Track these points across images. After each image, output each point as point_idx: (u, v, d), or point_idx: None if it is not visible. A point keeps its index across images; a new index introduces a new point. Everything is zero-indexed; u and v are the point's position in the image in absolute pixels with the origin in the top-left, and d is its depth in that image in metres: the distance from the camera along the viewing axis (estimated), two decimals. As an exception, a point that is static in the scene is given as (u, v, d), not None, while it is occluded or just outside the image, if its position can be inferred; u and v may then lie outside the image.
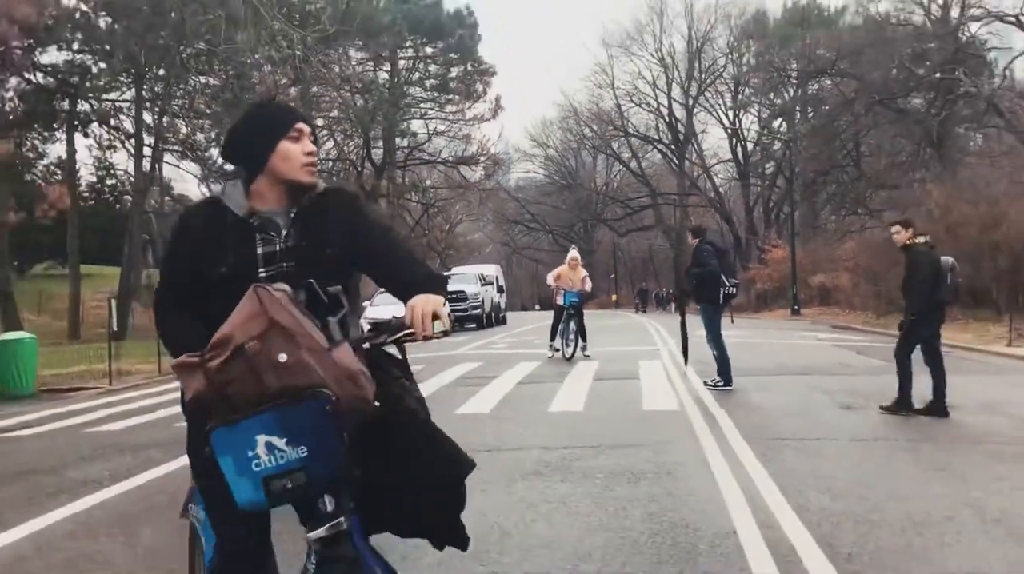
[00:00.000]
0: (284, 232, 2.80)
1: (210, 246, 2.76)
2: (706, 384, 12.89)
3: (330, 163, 46.90)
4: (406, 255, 2.92)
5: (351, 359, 2.49)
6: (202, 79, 38.30)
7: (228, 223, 2.79)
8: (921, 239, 10.81)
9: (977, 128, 42.69)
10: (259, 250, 2.78)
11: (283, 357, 2.40)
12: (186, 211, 2.98)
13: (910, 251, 10.77)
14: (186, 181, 49.42)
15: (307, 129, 2.85)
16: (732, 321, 13.88)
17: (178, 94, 38.54)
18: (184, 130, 41.17)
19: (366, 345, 2.66)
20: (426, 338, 2.55)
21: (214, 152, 41.67)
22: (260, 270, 2.75)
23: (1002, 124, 35.06)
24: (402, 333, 2.61)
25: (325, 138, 46.85)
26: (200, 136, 41.10)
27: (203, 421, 2.46)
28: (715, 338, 13.02)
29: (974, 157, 39.98)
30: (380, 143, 49.17)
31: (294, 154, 2.79)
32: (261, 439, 2.39)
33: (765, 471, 7.16)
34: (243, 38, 27.50)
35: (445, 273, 45.63)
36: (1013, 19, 34.55)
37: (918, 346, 10.41)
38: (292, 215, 2.83)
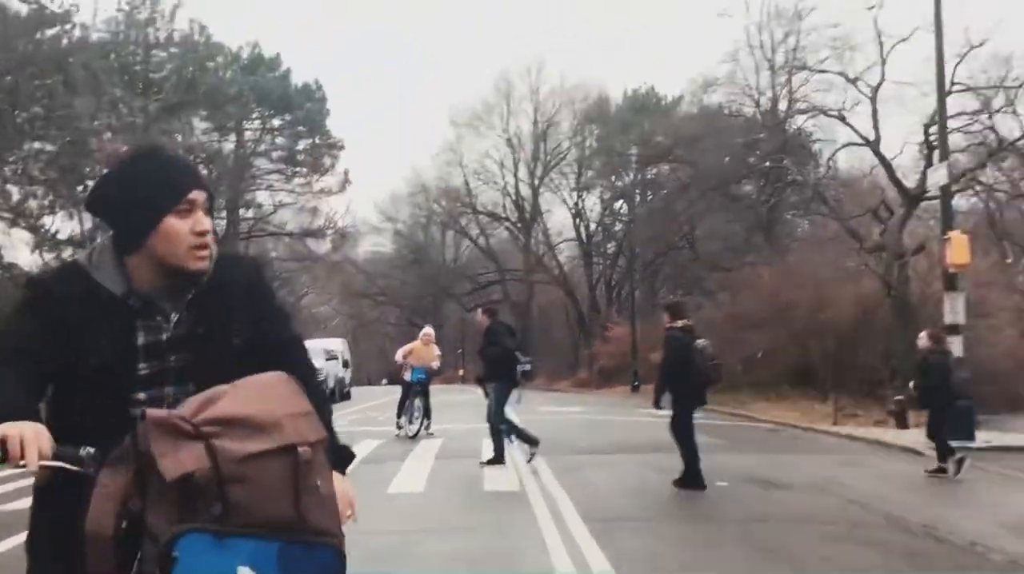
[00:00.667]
0: (174, 317, 2.24)
1: (78, 330, 2.14)
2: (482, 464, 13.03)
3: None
4: (307, 368, 2.38)
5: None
6: (37, 144, 36.92)
7: (101, 303, 2.17)
8: (679, 323, 11.39)
9: (804, 215, 44.85)
10: (140, 340, 2.20)
11: (319, 482, 1.89)
12: (43, 278, 2.31)
13: (666, 335, 11.46)
14: (16, 249, 47.07)
15: (201, 198, 2.22)
16: (520, 400, 14.12)
17: (11, 159, 36.99)
18: (16, 196, 39.47)
19: None
20: None
21: (47, 220, 40.07)
22: (141, 365, 2.20)
23: (827, 212, 36.94)
24: None
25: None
26: (33, 203, 39.42)
27: (73, 501, 1.93)
28: (497, 415, 13.27)
29: (801, 242, 42.03)
30: (224, 214, 48.29)
31: (181, 235, 2.18)
32: (243, 571, 1.79)
33: (602, 554, 7.25)
34: (81, 104, 26.73)
35: None
36: (836, 114, 36.69)
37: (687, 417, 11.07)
38: (189, 297, 2.26)
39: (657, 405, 11.27)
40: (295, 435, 1.87)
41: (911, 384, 13.97)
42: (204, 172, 35.50)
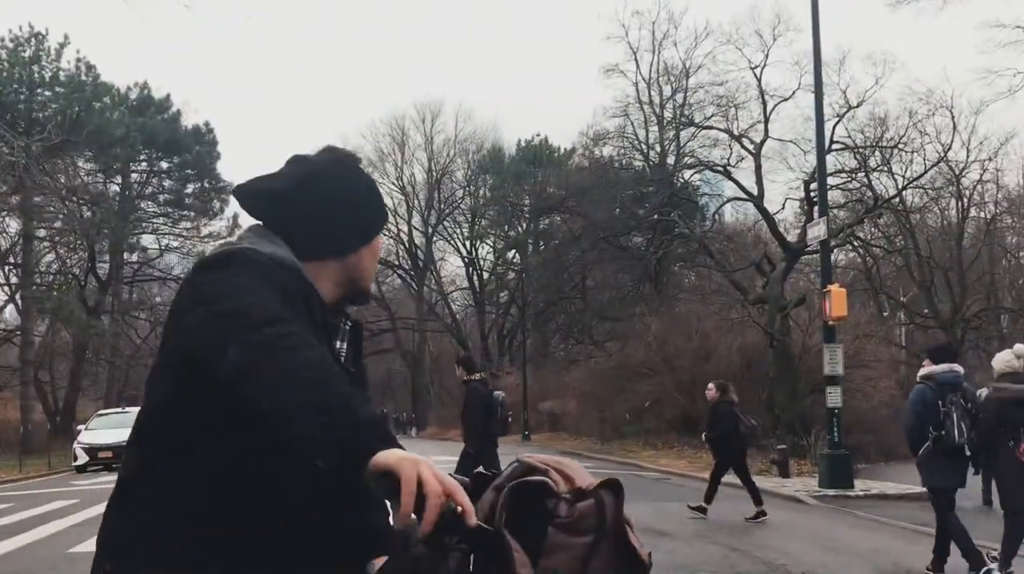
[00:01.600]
0: (340, 346, 2.01)
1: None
2: None
3: (51, 276, 44.33)
4: None
5: None
6: (-90, 183, 35.58)
7: (317, 309, 1.89)
8: (476, 376, 11.91)
9: (690, 267, 45.94)
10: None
11: None
12: (264, 258, 1.85)
13: (466, 386, 11.86)
14: None
15: None
16: None
17: None
18: None
19: None
20: None
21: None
22: None
23: (712, 264, 37.91)
24: None
25: (47, 250, 44.33)
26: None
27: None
28: None
29: (688, 293, 42.98)
30: (106, 257, 47.05)
31: (378, 256, 2.09)
32: None
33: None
34: (-41, 142, 25.91)
35: None
36: (721, 169, 37.83)
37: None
38: (347, 325, 2.03)
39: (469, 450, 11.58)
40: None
41: (703, 435, 14.95)
42: (87, 214, 34.72)
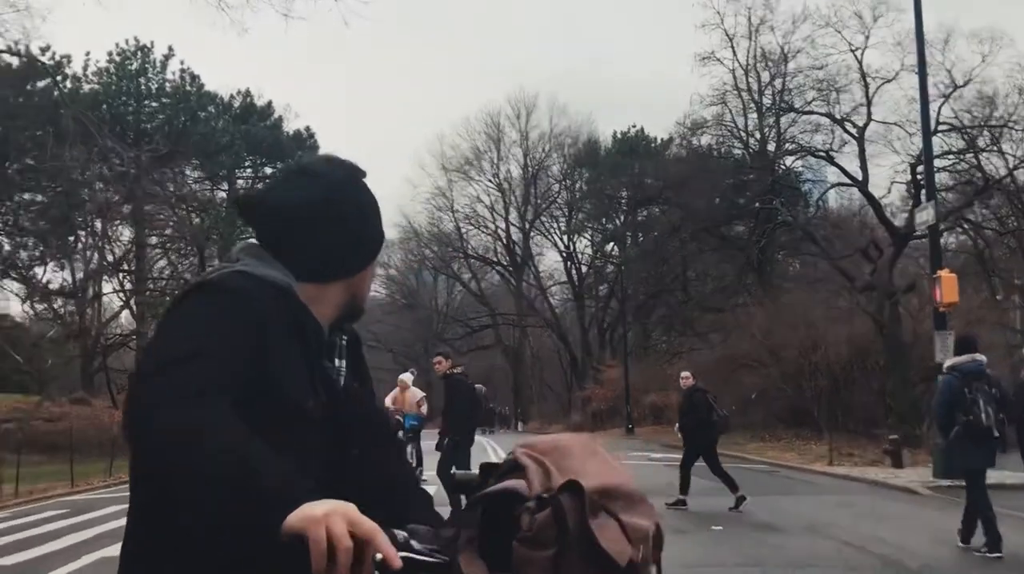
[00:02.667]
0: (339, 363, 1.93)
1: (292, 361, 1.74)
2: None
3: (163, 282, 45.71)
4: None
5: None
6: (27, 195, 37.03)
7: (306, 331, 1.80)
8: (458, 369, 12.54)
9: (795, 255, 45.06)
10: (340, 383, 1.91)
11: None
12: (248, 285, 1.75)
13: (448, 379, 12.39)
14: (8, 300, 47.08)
15: None
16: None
17: (1, 211, 37.08)
18: (7, 247, 39.50)
19: None
20: None
21: (38, 271, 40.09)
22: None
23: (817, 252, 37.12)
24: None
25: (159, 256, 45.74)
26: (24, 254, 39.48)
27: None
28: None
29: (793, 282, 42.13)
30: (216, 262, 48.29)
31: (375, 271, 2.06)
32: None
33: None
34: (72, 155, 26.84)
35: None
36: (823, 154, 37.02)
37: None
38: (343, 342, 1.95)
39: (441, 443, 12.25)
40: (654, 507, 1.60)
41: (676, 425, 14.96)
42: (196, 221, 35.60)
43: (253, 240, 1.91)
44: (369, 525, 1.39)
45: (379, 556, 1.38)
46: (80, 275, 40.85)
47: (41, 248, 38.35)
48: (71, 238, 38.10)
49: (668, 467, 21.16)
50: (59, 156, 27.92)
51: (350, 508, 1.39)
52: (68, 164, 28.51)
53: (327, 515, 1.36)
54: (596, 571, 1.44)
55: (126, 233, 42.14)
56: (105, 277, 42.66)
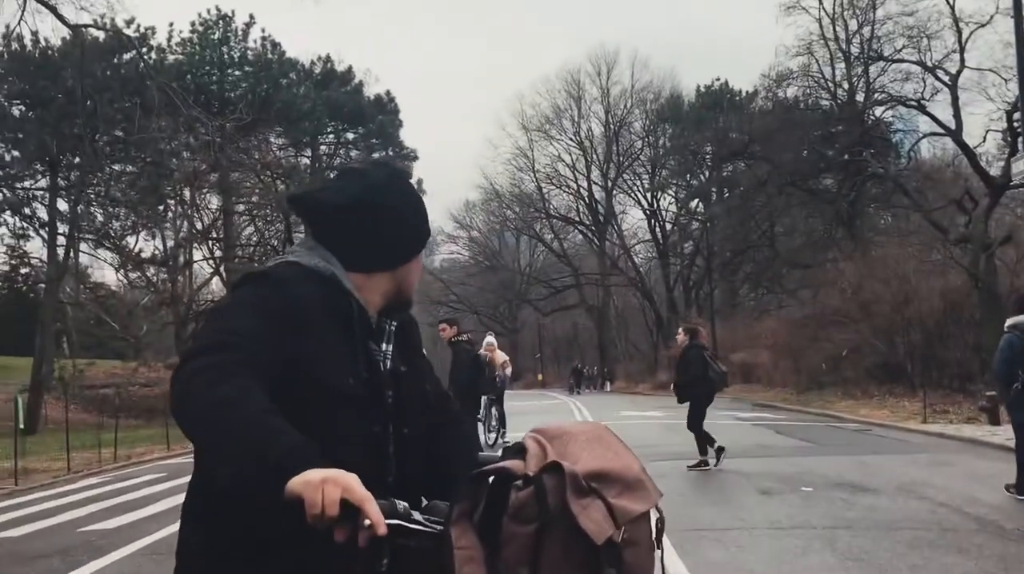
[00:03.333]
0: (387, 349, 2.08)
1: (332, 344, 1.92)
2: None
3: (251, 248, 46.50)
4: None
5: None
6: (117, 167, 37.87)
7: (350, 317, 1.98)
8: (464, 337, 12.92)
9: (886, 208, 44.00)
10: (384, 365, 2.05)
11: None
12: (288, 275, 1.97)
13: (454, 346, 12.82)
14: (103, 269, 48.48)
15: None
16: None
17: (93, 182, 38.01)
18: (100, 218, 40.54)
19: None
20: None
21: (131, 240, 41.07)
22: (389, 393, 2.02)
23: (909, 204, 36.15)
24: None
25: (246, 223, 46.50)
26: (116, 224, 40.49)
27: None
28: None
29: (884, 236, 41.12)
30: (301, 228, 48.91)
31: (420, 268, 2.18)
32: None
33: (683, 564, 7.12)
34: (159, 126, 27.31)
35: None
36: (914, 103, 35.89)
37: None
38: (391, 327, 2.10)
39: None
40: (656, 494, 1.73)
41: (672, 384, 14.71)
42: (281, 188, 36.08)
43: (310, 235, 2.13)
44: (360, 493, 1.55)
45: (367, 522, 1.54)
46: (171, 243, 41.83)
47: (133, 218, 39.26)
48: (161, 207, 38.94)
49: (756, 427, 20.95)
50: (146, 127, 28.45)
51: (346, 477, 1.56)
52: (155, 135, 29.04)
53: (323, 481, 1.54)
54: (575, 547, 1.57)
55: (213, 201, 42.96)
56: (195, 245, 43.59)
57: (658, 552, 1.72)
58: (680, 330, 13.95)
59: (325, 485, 1.54)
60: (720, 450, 13.04)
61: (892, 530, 8.35)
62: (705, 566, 7.10)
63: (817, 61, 40.43)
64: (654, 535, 1.71)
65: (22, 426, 18.41)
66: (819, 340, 32.05)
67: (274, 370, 1.80)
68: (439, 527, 1.65)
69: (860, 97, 40.26)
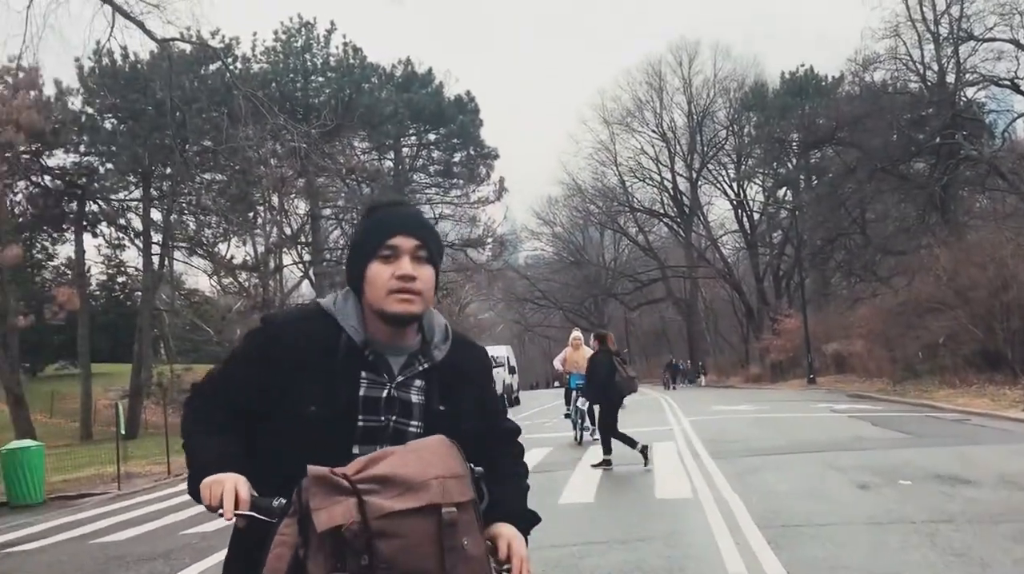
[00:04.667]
0: (399, 378, 2.26)
1: (304, 374, 2.19)
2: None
3: (338, 252, 47.15)
4: (517, 453, 2.52)
5: None
6: (207, 175, 38.73)
7: (339, 349, 2.22)
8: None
9: (981, 191, 42.77)
10: (361, 391, 2.22)
11: (466, 543, 1.95)
12: (279, 319, 2.34)
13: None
14: (197, 276, 49.75)
15: (408, 244, 2.24)
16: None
17: (185, 191, 38.95)
18: (192, 226, 41.52)
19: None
20: None
21: (222, 247, 41.97)
22: (359, 417, 2.20)
23: (1005, 186, 35.10)
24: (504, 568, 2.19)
25: (333, 227, 47.17)
26: (208, 232, 41.43)
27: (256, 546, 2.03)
28: None
29: (979, 220, 39.94)
30: (388, 229, 49.42)
31: (381, 278, 2.21)
32: None
33: (777, 561, 6.99)
34: (246, 134, 27.83)
35: None
36: (1008, 83, 34.84)
37: None
38: (422, 365, 2.29)
39: None
40: (440, 496, 1.93)
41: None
42: (366, 191, 36.59)
43: None
44: (226, 490, 2.01)
45: (221, 510, 2.01)
46: (261, 249, 42.56)
47: (223, 225, 40.10)
48: (250, 214, 39.67)
49: (852, 418, 20.50)
50: (234, 136, 29.00)
51: (229, 479, 2.03)
52: (243, 143, 29.56)
53: (211, 483, 2.04)
54: (316, 536, 1.89)
55: (301, 206, 43.63)
56: (284, 249, 44.36)
57: None
58: (592, 336, 14.62)
59: (212, 486, 2.03)
60: (645, 450, 13.27)
61: (994, 523, 8.08)
62: (800, 562, 6.96)
63: (905, 43, 39.55)
64: (440, 533, 1.92)
65: (123, 431, 18.91)
66: (914, 328, 31.24)
67: (248, 401, 2.22)
68: (275, 520, 2.01)
69: (950, 79, 39.22)
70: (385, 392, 2.22)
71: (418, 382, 2.27)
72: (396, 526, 1.88)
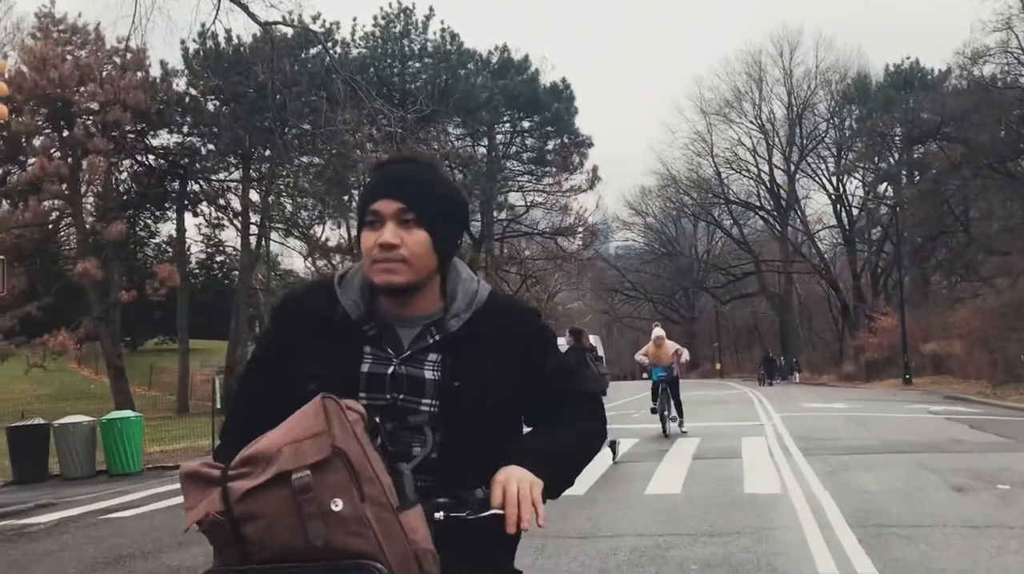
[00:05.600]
0: (406, 351, 2.11)
1: (303, 349, 2.12)
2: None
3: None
4: (567, 411, 2.19)
5: (424, 532, 1.81)
6: (305, 158, 39.33)
7: (336, 324, 2.11)
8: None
9: (1092, 190, 41.25)
10: (364, 368, 2.09)
11: (338, 504, 1.74)
12: (290, 293, 2.30)
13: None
14: (292, 257, 50.65)
15: (390, 208, 2.05)
16: None
17: (283, 173, 39.62)
18: (289, 208, 42.25)
19: (440, 515, 1.95)
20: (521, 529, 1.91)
21: (318, 229, 42.63)
22: (362, 395, 2.05)
23: (1120, 185, 33.75)
24: (489, 512, 1.93)
25: (426, 213, 47.44)
26: (304, 214, 42.13)
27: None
28: None
29: (1090, 219, 38.53)
30: (478, 216, 49.65)
31: (366, 248, 2.07)
32: None
33: (870, 561, 6.84)
34: (343, 118, 28.16)
35: None
36: None
37: None
38: (434, 338, 2.12)
39: None
40: (291, 462, 1.74)
41: None
42: (459, 177, 36.79)
43: None
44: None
45: None
46: (355, 232, 43.11)
47: (319, 208, 40.70)
48: (346, 197, 40.17)
49: (949, 421, 19.94)
50: (332, 120, 29.35)
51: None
52: (340, 127, 29.90)
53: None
54: (211, 531, 1.76)
55: (395, 191, 44.02)
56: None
57: None
58: (567, 332, 14.71)
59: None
60: (613, 444, 13.57)
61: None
62: (894, 564, 6.78)
63: (1017, 36, 38.23)
64: (300, 505, 1.72)
65: (219, 406, 19.36)
66: (1017, 330, 30.32)
67: (272, 372, 2.15)
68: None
69: (1064, 73, 37.84)
70: (391, 368, 2.08)
71: (432, 356, 2.10)
72: (254, 506, 1.73)
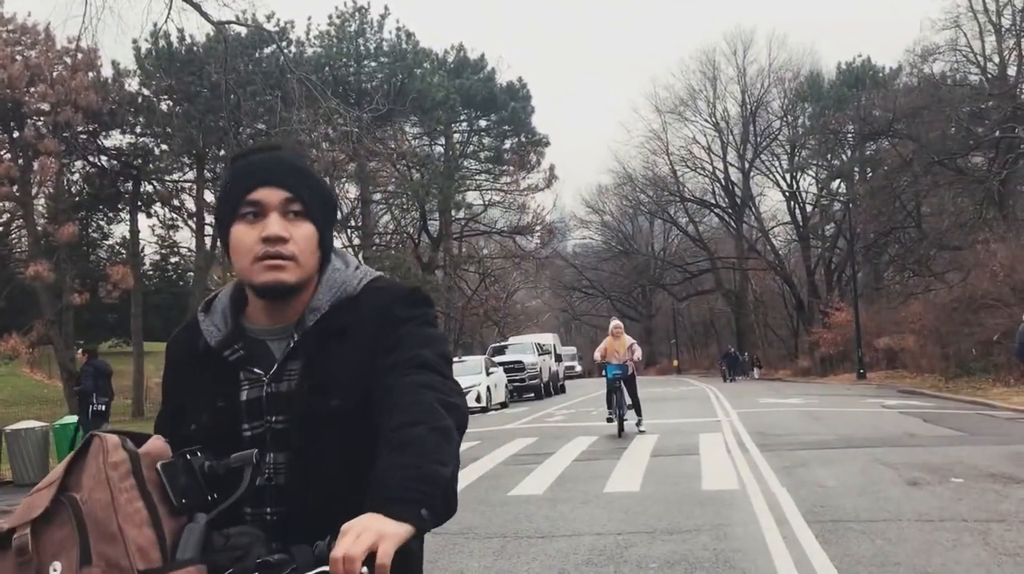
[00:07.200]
0: (274, 367, 1.83)
1: (185, 389, 1.90)
2: None
3: (388, 236, 47.40)
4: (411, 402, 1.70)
5: None
6: (260, 159, 39.06)
7: (200, 356, 1.88)
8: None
9: (1041, 186, 42.00)
10: (243, 396, 1.84)
11: (56, 569, 1.48)
12: (175, 332, 2.01)
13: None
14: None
15: (275, 198, 1.79)
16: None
17: (238, 174, 39.33)
18: (246, 209, 41.93)
19: None
20: None
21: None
22: (244, 426, 1.81)
23: (1067, 181, 34.40)
24: (316, 571, 1.54)
25: (383, 212, 47.36)
26: (260, 215, 41.84)
27: None
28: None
29: (1039, 215, 39.18)
30: (436, 215, 49.60)
31: (245, 243, 1.79)
32: None
33: (826, 556, 6.92)
34: (299, 118, 28.00)
35: (501, 343, 43.56)
36: (1073, 75, 34.13)
37: None
38: (292, 341, 1.83)
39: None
40: (19, 516, 1.58)
41: None
42: (416, 176, 36.64)
43: None
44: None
45: None
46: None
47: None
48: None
49: (903, 415, 20.20)
50: (287, 119, 29.19)
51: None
52: (296, 127, 29.75)
53: None
54: None
55: (352, 190, 43.88)
56: (335, 233, 44.64)
57: None
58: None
59: None
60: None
61: (1052, 525, 7.92)
62: (849, 558, 6.86)
63: (965, 35, 38.88)
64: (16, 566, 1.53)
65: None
66: (969, 325, 30.75)
67: (173, 414, 1.93)
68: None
69: (1012, 71, 38.50)
70: (265, 390, 1.82)
71: (294, 364, 1.83)
72: None
